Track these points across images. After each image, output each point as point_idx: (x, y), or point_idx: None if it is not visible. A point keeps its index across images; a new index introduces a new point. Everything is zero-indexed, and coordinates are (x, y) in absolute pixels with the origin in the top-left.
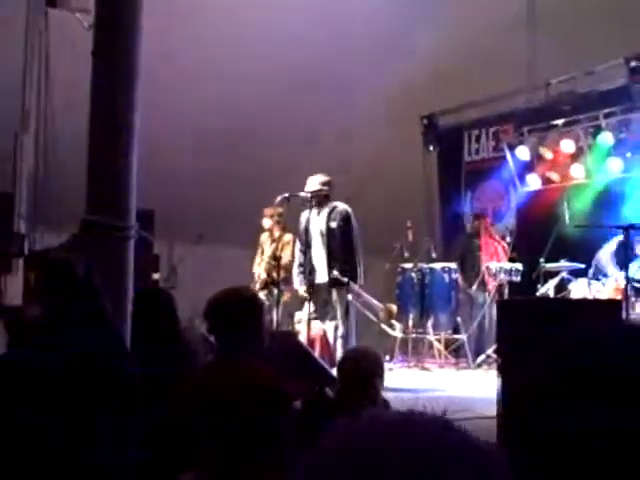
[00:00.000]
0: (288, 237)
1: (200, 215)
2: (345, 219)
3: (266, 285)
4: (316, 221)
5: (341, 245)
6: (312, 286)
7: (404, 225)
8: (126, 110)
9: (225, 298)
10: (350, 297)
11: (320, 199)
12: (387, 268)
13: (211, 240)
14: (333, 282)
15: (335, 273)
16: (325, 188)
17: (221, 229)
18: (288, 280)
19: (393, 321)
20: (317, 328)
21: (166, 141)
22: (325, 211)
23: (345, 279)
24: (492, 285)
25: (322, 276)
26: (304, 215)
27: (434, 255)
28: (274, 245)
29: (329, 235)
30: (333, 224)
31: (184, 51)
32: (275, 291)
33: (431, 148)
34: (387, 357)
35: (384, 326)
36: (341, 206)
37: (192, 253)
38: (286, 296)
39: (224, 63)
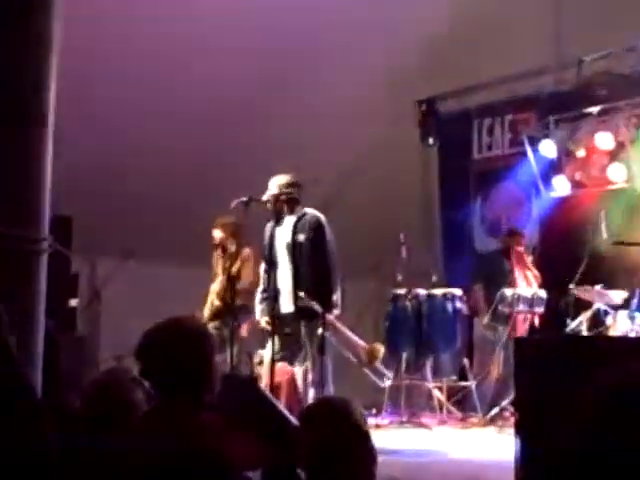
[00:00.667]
0: (246, 252)
1: (131, 224)
2: (316, 230)
3: (219, 315)
4: (281, 233)
5: (311, 264)
6: (277, 317)
7: (396, 239)
8: (38, 102)
9: (163, 332)
10: (323, 331)
11: (284, 205)
12: (372, 294)
13: (145, 256)
14: (302, 312)
15: (303, 300)
16: (290, 191)
17: (159, 242)
18: (247, 309)
19: (379, 364)
20: (283, 372)
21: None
22: (291, 220)
23: (317, 308)
24: (517, 318)
25: (288, 304)
26: (268, 226)
27: (434, 278)
28: (228, 263)
29: (296, 251)
30: (301, 237)
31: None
32: (231, 323)
33: (430, 142)
34: (373, 410)
35: (368, 371)
36: (311, 213)
37: (120, 272)
38: (244, 329)
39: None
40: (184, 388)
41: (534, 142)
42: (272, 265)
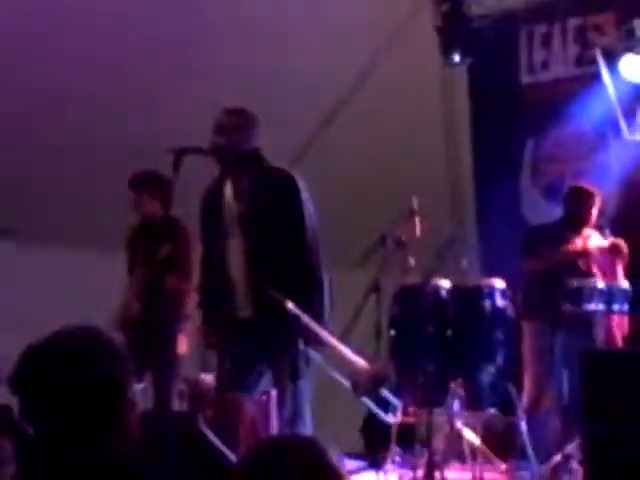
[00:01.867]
0: (182, 226)
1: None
2: (286, 193)
3: (138, 323)
4: (231, 200)
5: (280, 244)
6: (229, 325)
7: (405, 205)
8: None
9: (51, 352)
10: (301, 344)
11: (236, 156)
12: (371, 287)
13: (28, 236)
14: (267, 317)
15: (273, 297)
16: (242, 134)
17: (48, 216)
18: (182, 314)
19: (385, 391)
20: (238, 405)
21: None
22: (246, 180)
23: (293, 309)
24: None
25: (245, 306)
26: (209, 190)
27: (464, 263)
28: (153, 244)
29: (253, 225)
30: (262, 204)
31: None
32: (158, 335)
33: (457, 58)
34: (374, 458)
35: (367, 402)
36: (277, 169)
37: None
38: (181, 344)
39: None
40: (84, 435)
41: (612, 58)
42: (219, 249)
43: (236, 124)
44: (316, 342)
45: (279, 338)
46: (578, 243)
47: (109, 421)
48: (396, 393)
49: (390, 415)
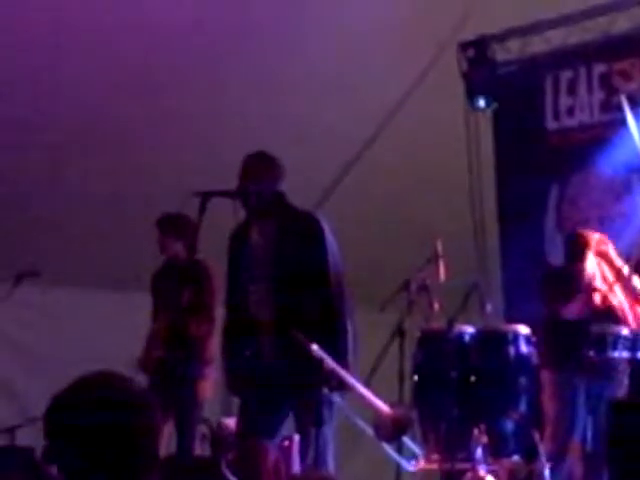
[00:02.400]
0: (209, 267)
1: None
2: (312, 237)
3: (161, 368)
4: (257, 242)
5: (305, 289)
6: (255, 368)
7: (429, 249)
8: None
9: (81, 398)
10: (325, 392)
11: (263, 200)
12: (393, 332)
13: (46, 280)
14: (292, 361)
15: (299, 340)
16: (267, 179)
17: (67, 260)
18: (208, 358)
19: (406, 438)
20: (260, 451)
21: None
22: (272, 223)
23: (320, 354)
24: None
25: (269, 349)
26: (235, 232)
27: (489, 309)
28: (178, 287)
29: (280, 269)
30: (289, 247)
31: None
32: (181, 379)
33: (482, 104)
34: None
35: (388, 448)
36: (304, 213)
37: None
38: (205, 388)
39: None
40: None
41: (638, 104)
42: (243, 292)
43: (262, 168)
44: (340, 387)
45: (303, 383)
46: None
47: (140, 468)
48: (416, 440)
49: (412, 462)
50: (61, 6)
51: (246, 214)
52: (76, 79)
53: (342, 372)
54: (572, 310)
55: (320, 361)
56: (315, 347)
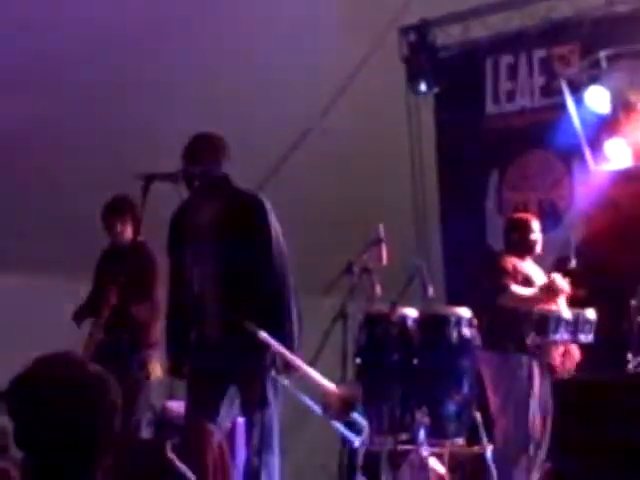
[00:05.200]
0: (150, 253)
1: None
2: (254, 217)
3: (105, 350)
4: (201, 224)
5: (249, 269)
6: (199, 350)
7: (371, 233)
8: None
9: (38, 379)
10: (271, 373)
11: (205, 181)
12: (336, 315)
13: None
14: (237, 343)
15: (247, 327)
16: (212, 159)
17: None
18: (153, 341)
19: (355, 415)
20: (206, 434)
21: None
22: (214, 204)
23: (265, 338)
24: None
25: (215, 330)
26: (177, 214)
27: (430, 292)
28: (122, 266)
29: (223, 250)
30: (231, 229)
31: None
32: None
33: (422, 88)
34: None
35: (337, 426)
36: (246, 193)
37: None
38: (156, 369)
39: None
40: (72, 463)
41: (577, 89)
42: (188, 273)
43: (206, 149)
44: (286, 370)
45: (248, 365)
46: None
47: (99, 448)
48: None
49: (358, 439)
50: None
51: (189, 196)
52: None
53: (289, 355)
54: (506, 301)
55: (267, 346)
56: (263, 334)
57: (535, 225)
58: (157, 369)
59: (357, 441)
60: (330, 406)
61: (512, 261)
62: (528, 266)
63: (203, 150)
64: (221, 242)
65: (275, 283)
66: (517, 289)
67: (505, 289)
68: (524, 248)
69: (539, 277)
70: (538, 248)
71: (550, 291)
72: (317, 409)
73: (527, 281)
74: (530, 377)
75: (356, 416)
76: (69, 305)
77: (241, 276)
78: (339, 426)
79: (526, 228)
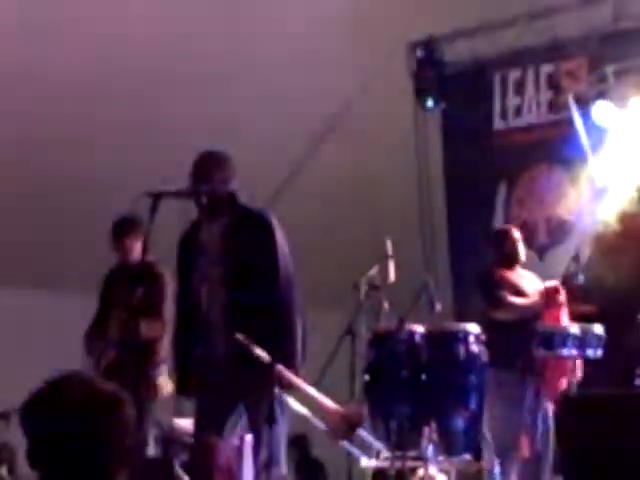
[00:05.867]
0: (160, 270)
1: None
2: (262, 235)
3: (115, 368)
4: (208, 242)
5: (256, 285)
6: (207, 368)
7: (379, 250)
8: None
9: (53, 400)
10: (277, 390)
11: (214, 199)
12: (344, 332)
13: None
14: (243, 359)
15: (242, 342)
16: (219, 178)
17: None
18: (162, 359)
19: (363, 433)
20: (215, 447)
21: None
22: (222, 222)
23: (262, 356)
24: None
25: (221, 346)
26: (186, 232)
27: (438, 308)
28: (130, 284)
29: (231, 266)
30: (239, 247)
31: None
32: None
33: (430, 104)
34: None
35: (343, 444)
36: (254, 211)
37: None
38: (163, 387)
39: None
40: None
41: (584, 104)
42: (193, 292)
43: (214, 167)
44: (290, 387)
45: (254, 382)
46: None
47: (109, 471)
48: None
49: (373, 456)
50: None
51: (198, 214)
52: None
53: (288, 374)
54: (500, 316)
55: (268, 364)
56: (258, 350)
57: (516, 234)
58: (166, 386)
59: (364, 459)
60: (334, 427)
61: (501, 273)
62: (518, 275)
63: (210, 168)
64: (227, 259)
65: (280, 300)
66: (514, 299)
67: (501, 302)
68: (510, 258)
69: (532, 283)
70: (523, 256)
71: (547, 296)
72: (322, 428)
73: (518, 292)
74: (520, 394)
75: (364, 434)
76: (83, 321)
77: (246, 293)
78: (346, 444)
79: (509, 239)
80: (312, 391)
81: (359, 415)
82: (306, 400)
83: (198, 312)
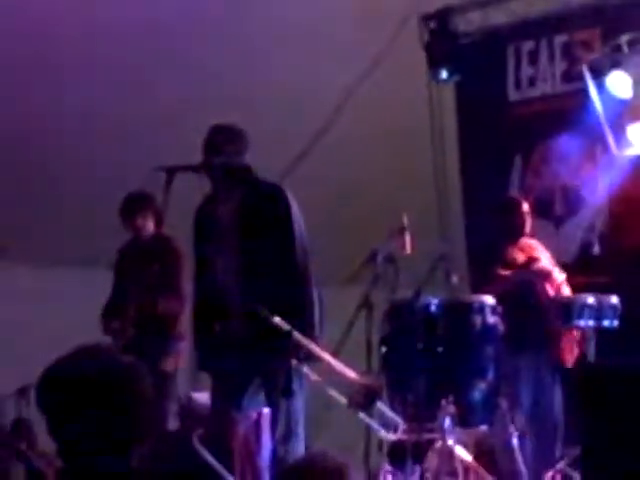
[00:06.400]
0: (175, 245)
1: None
2: (276, 207)
3: (132, 344)
4: (223, 215)
5: (271, 260)
6: (224, 341)
7: (394, 222)
8: None
9: (73, 371)
10: (294, 362)
11: (227, 173)
12: (360, 304)
13: (19, 255)
14: (260, 333)
15: (264, 315)
16: (233, 150)
17: (39, 235)
18: (180, 334)
19: (382, 405)
20: (232, 421)
21: None
22: (236, 195)
23: (285, 326)
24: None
25: (237, 321)
26: (201, 206)
27: (454, 280)
28: (143, 263)
29: (245, 240)
30: (253, 219)
31: None
32: (152, 355)
33: (444, 75)
34: (367, 478)
35: (361, 416)
36: (267, 183)
37: None
38: (170, 363)
39: None
40: (105, 452)
41: (599, 74)
42: (209, 264)
43: (226, 141)
44: (308, 358)
45: (271, 355)
46: (520, 257)
47: (129, 443)
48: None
49: (390, 431)
50: None
51: (212, 188)
52: None
53: (309, 344)
54: (490, 291)
55: (287, 333)
56: (279, 320)
57: (525, 206)
58: (173, 363)
59: (382, 432)
60: (354, 396)
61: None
62: (520, 248)
63: (224, 141)
64: (242, 233)
65: (296, 271)
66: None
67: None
68: (515, 231)
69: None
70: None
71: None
72: (341, 399)
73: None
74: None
75: (384, 409)
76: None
77: (262, 267)
78: (365, 416)
79: (516, 210)
80: (333, 361)
81: (378, 386)
82: (324, 371)
83: (214, 287)
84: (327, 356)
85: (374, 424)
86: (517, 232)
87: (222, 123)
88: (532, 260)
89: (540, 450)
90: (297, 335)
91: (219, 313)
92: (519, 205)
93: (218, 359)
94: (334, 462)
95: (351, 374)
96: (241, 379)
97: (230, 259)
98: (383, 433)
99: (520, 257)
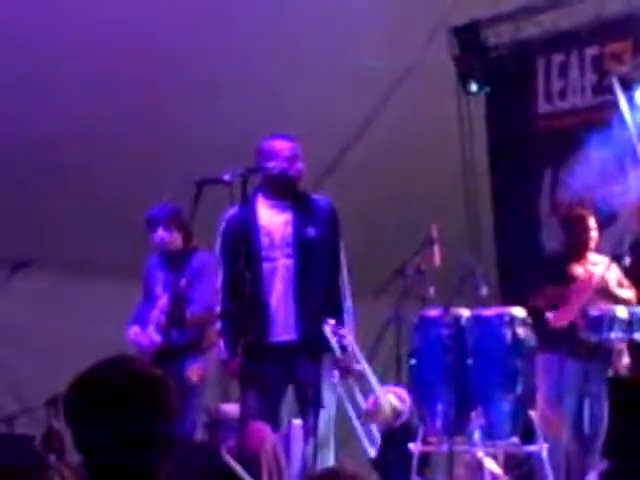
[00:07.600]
0: (204, 258)
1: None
2: (332, 224)
3: (160, 355)
4: (271, 226)
5: (324, 274)
6: (260, 350)
7: (423, 234)
8: None
9: (100, 382)
10: (336, 375)
11: (273, 182)
12: (389, 317)
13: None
14: (310, 343)
15: (328, 329)
16: (290, 159)
17: (65, 246)
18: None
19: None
20: (261, 434)
21: None
22: (286, 208)
23: (341, 341)
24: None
25: (285, 330)
26: (232, 215)
27: (484, 292)
28: (175, 274)
29: (300, 249)
30: (312, 232)
31: None
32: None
33: (474, 88)
34: None
35: (359, 432)
36: (321, 199)
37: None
38: (193, 374)
39: None
40: (131, 466)
41: (629, 87)
42: (251, 273)
43: (286, 150)
44: (348, 374)
45: (306, 367)
46: (578, 271)
47: (155, 456)
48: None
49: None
50: None
51: (251, 195)
52: None
53: (361, 359)
54: (560, 318)
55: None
56: (344, 331)
57: (591, 222)
58: (197, 373)
59: (373, 451)
60: (379, 412)
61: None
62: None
63: (283, 150)
64: (296, 242)
65: (340, 289)
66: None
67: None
68: (579, 247)
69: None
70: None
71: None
72: (353, 411)
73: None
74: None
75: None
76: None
77: (314, 281)
78: (360, 433)
79: (581, 225)
80: (373, 379)
81: (404, 406)
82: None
83: (245, 297)
84: (371, 374)
85: (366, 442)
86: (582, 248)
87: (280, 133)
88: (591, 277)
89: (579, 460)
90: (353, 350)
91: (257, 321)
92: (584, 219)
93: (249, 369)
94: (359, 473)
95: (378, 386)
96: (274, 390)
97: (280, 272)
98: (411, 445)
99: (581, 273)
